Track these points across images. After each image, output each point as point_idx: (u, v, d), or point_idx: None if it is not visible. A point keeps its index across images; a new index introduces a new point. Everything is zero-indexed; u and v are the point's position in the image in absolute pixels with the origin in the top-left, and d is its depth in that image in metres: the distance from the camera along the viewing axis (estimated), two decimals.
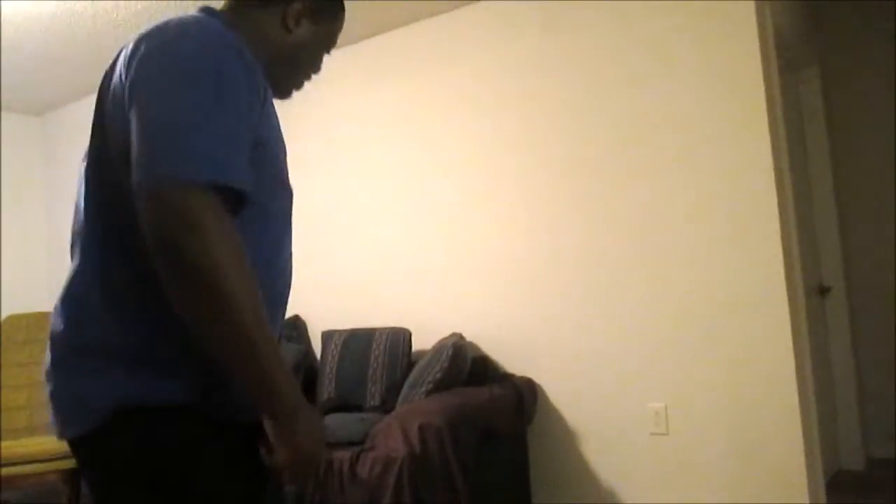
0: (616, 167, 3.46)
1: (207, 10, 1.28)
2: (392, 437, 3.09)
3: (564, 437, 3.60)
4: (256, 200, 1.15)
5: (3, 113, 5.14)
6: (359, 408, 3.68)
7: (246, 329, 1.03)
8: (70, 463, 4.22)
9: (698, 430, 3.27)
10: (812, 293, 3.91)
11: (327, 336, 4.04)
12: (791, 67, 4.08)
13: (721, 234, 3.23)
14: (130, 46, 1.17)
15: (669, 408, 3.33)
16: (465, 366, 3.56)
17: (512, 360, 3.71)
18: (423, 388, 3.41)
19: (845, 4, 4.37)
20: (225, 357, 1.05)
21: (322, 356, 3.99)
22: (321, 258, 4.47)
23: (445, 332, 3.77)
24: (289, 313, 4.52)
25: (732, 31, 3.20)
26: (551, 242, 3.64)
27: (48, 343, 1.22)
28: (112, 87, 1.18)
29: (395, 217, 4.19)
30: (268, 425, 1.11)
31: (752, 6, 3.17)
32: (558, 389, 3.62)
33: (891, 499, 3.63)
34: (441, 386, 3.42)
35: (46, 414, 4.32)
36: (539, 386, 3.65)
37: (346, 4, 1.54)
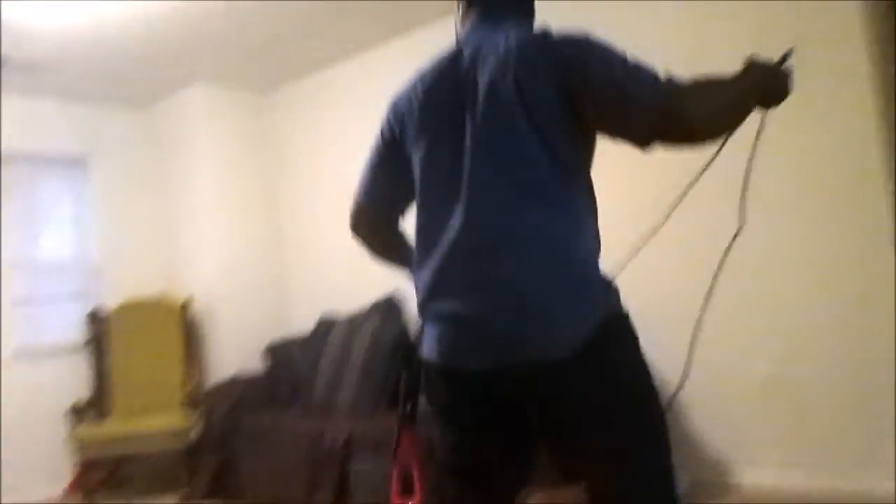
0: None
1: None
2: None
3: None
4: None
5: (118, 106, 5.39)
6: None
7: (734, 100, 1.48)
8: (188, 440, 4.46)
9: (806, 391, 3.24)
10: None
11: None
12: None
13: (825, 189, 3.14)
14: (523, 44, 1.49)
15: (776, 372, 3.30)
16: None
17: None
18: None
19: None
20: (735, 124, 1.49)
21: (417, 336, 4.07)
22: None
23: None
24: (385, 291, 4.61)
25: None
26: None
27: (496, 284, 1.45)
28: (512, 74, 1.47)
29: None
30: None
31: None
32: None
33: None
34: None
35: (159, 394, 4.41)
36: None
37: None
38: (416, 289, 1.60)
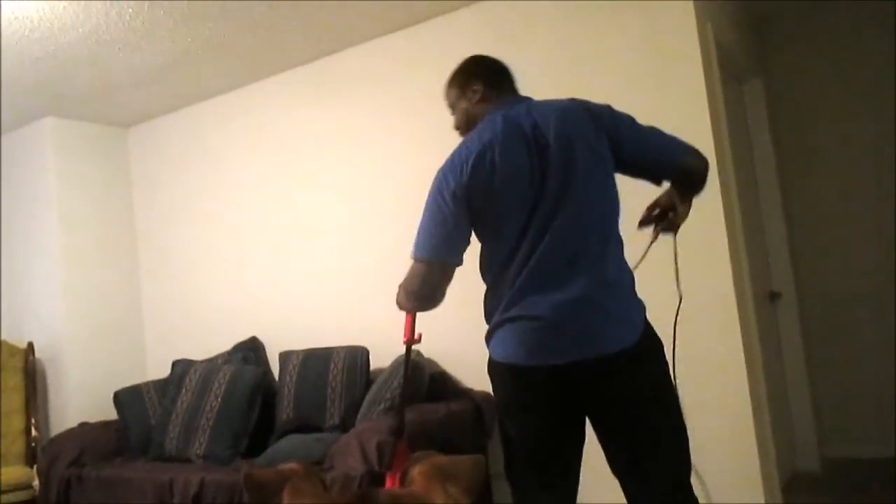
0: None
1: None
2: (350, 456, 3.08)
3: None
4: None
5: None
6: (318, 428, 3.66)
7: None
8: (30, 493, 4.17)
9: None
10: (763, 299, 3.99)
11: (285, 357, 4.02)
12: (735, 80, 4.18)
13: (667, 241, 3.28)
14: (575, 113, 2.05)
15: None
16: (424, 382, 3.57)
17: (471, 375, 3.71)
18: (382, 406, 3.41)
19: (787, 18, 4.49)
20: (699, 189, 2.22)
21: (280, 377, 3.96)
22: (277, 280, 4.45)
23: (403, 349, 3.76)
24: (246, 335, 4.49)
25: (674, 46, 3.28)
26: None
27: (597, 302, 1.93)
28: (579, 133, 2.00)
29: (352, 237, 4.20)
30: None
31: (693, 22, 3.25)
32: None
33: (847, 499, 3.70)
34: None
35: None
36: None
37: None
38: (496, 304, 2.03)
